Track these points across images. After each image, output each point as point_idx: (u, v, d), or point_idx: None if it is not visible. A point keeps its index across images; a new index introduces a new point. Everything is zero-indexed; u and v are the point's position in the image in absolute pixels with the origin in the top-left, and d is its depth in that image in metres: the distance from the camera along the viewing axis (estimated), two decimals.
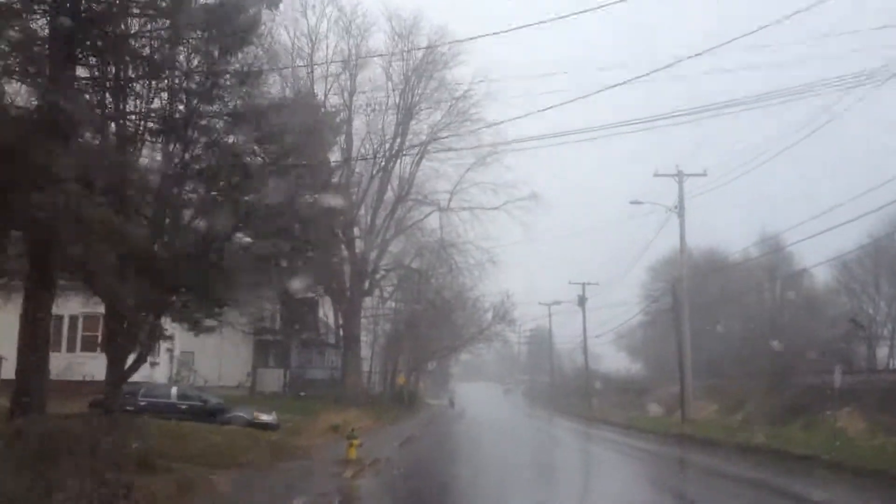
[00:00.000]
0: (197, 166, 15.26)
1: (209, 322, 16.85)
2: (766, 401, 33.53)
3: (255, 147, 16.19)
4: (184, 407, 23.70)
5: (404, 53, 42.49)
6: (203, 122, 15.06)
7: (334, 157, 45.01)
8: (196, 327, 17.01)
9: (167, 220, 15.23)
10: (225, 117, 15.31)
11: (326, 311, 56.75)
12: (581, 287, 60.36)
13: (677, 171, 36.46)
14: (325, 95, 43.03)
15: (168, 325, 36.09)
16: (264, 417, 23.91)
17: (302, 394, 44.32)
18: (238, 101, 15.23)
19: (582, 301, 59.66)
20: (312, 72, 41.37)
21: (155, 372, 33.13)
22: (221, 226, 15.00)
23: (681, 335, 36.18)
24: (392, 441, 26.54)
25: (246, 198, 18.88)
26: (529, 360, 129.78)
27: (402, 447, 25.31)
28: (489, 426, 39.70)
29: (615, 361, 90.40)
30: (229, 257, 15.23)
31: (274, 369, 45.88)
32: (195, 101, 15.02)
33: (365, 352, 62.26)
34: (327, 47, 42.27)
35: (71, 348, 32.15)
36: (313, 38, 41.89)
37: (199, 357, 45.04)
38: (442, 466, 20.67)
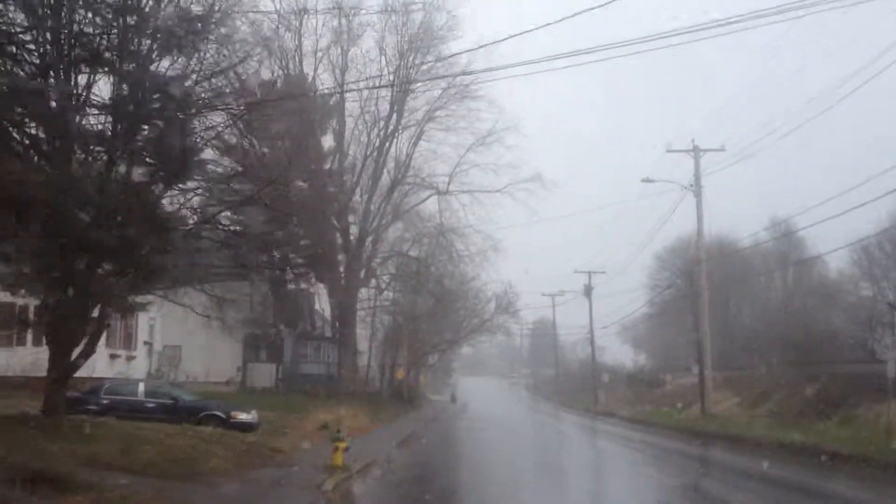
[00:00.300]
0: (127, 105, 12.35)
1: (141, 299, 13.99)
2: (793, 393, 30.68)
3: (198, 82, 13.26)
4: (151, 406, 20.84)
5: (399, 28, 39.63)
6: (132, 48, 12.12)
7: (327, 142, 42.30)
8: (121, 305, 14.17)
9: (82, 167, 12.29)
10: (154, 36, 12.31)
11: (323, 305, 53.95)
12: (587, 276, 57.46)
13: (693, 145, 33.57)
14: (315, 72, 40.20)
15: (147, 317, 33.46)
16: (242, 416, 21.04)
17: (306, 390, 41.60)
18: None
19: (588, 291, 56.80)
20: (300, 46, 38.54)
21: (131, 367, 30.31)
22: (151, 176, 12.10)
23: (699, 322, 33.32)
24: (388, 441, 23.73)
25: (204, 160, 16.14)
26: (532, 354, 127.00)
27: (400, 448, 22.50)
28: (494, 423, 36.88)
29: (619, 354, 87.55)
30: (169, 220, 12.33)
31: (266, 364, 43.04)
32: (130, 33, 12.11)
33: (363, 346, 59.56)
34: (317, 21, 39.36)
35: (37, 342, 29.26)
36: (302, 12, 38.94)
37: (186, 352, 42.30)
38: (443, 472, 17.82)
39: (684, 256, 73.39)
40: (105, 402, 20.74)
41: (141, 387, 21.63)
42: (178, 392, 22.06)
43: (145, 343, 32.21)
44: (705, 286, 33.64)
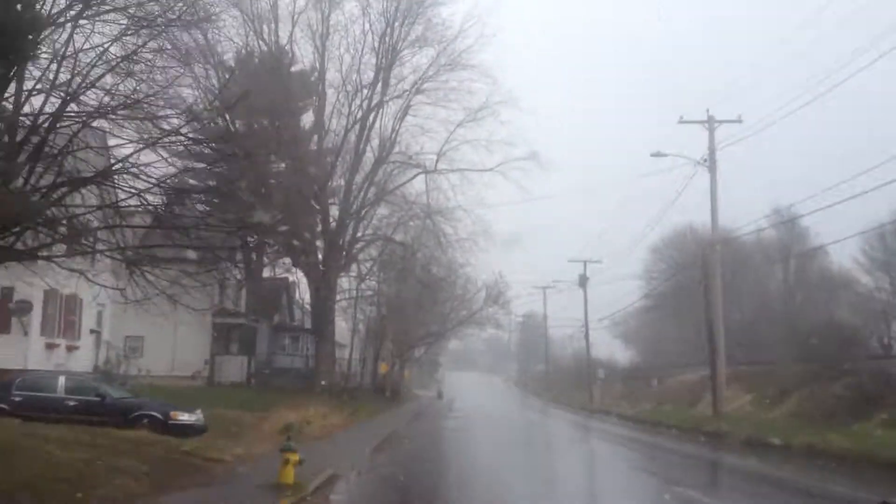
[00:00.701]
0: None
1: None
2: (818, 390, 27.10)
3: None
4: (73, 404, 17.03)
5: None
6: None
7: (307, 120, 38.51)
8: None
9: None
10: None
11: (304, 295, 50.13)
12: (582, 265, 53.80)
13: (707, 116, 29.96)
14: (291, 37, 36.35)
15: (95, 302, 29.52)
16: (183, 418, 17.24)
17: (279, 386, 37.83)
18: None
19: (583, 281, 53.16)
20: (276, 6, 34.72)
21: (73, 358, 26.41)
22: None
23: (712, 310, 29.74)
24: (363, 445, 19.97)
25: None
26: (521, 349, 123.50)
27: (375, 454, 18.74)
28: (483, 422, 33.21)
29: (609, 349, 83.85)
30: None
31: (236, 357, 39.21)
32: None
33: (345, 338, 55.78)
34: None
35: None
36: None
37: (149, 342, 38.38)
38: (424, 487, 14.06)
39: (681, 248, 70.16)
40: (17, 399, 16.96)
41: (61, 381, 17.77)
42: (107, 388, 18.19)
43: (92, 332, 28.29)
44: (717, 271, 30.01)
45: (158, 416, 17.02)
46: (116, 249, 16.21)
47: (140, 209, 15.41)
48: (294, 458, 12.14)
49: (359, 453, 18.16)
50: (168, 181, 17.77)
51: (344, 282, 46.95)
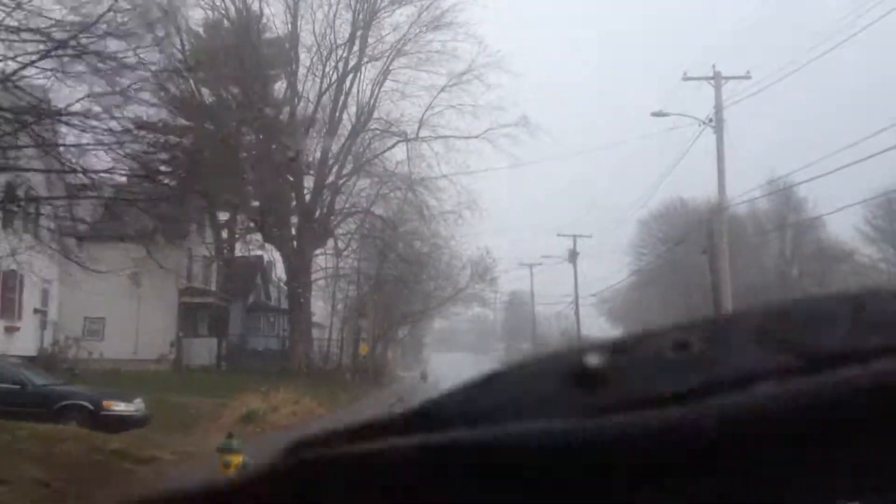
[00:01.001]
0: None
1: None
2: None
3: None
4: None
5: None
6: None
7: (280, 89, 35.59)
8: None
9: None
10: None
11: (281, 274, 47.29)
12: (572, 240, 51.19)
13: (713, 71, 27.29)
14: None
15: (40, 279, 26.65)
16: (119, 408, 14.47)
17: (251, 369, 35.10)
18: None
19: (573, 256, 50.57)
20: None
21: (13, 341, 23.54)
22: None
23: (718, 281, 27.23)
24: None
25: None
26: (506, 328, 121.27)
27: None
28: None
29: (594, 327, 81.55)
30: None
31: (205, 339, 36.36)
32: None
33: (325, 318, 53.08)
34: None
35: None
36: None
37: (111, 324, 35.56)
38: None
39: (671, 223, 67.92)
40: None
41: None
42: (29, 374, 15.36)
43: (36, 312, 25.39)
44: (724, 241, 27.46)
45: (88, 405, 14.25)
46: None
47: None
48: (236, 460, 9.45)
49: None
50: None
51: (323, 260, 44.28)
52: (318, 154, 34.71)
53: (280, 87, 35.91)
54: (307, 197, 34.48)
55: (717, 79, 27.17)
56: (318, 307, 52.24)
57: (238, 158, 33.84)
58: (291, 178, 33.28)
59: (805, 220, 53.59)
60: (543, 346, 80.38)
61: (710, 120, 27.25)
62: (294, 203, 35.22)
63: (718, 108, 27.08)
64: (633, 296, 74.66)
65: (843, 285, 47.34)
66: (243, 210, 35.53)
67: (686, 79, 27.50)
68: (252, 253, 45.07)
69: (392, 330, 55.76)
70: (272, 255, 44.07)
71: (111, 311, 35.17)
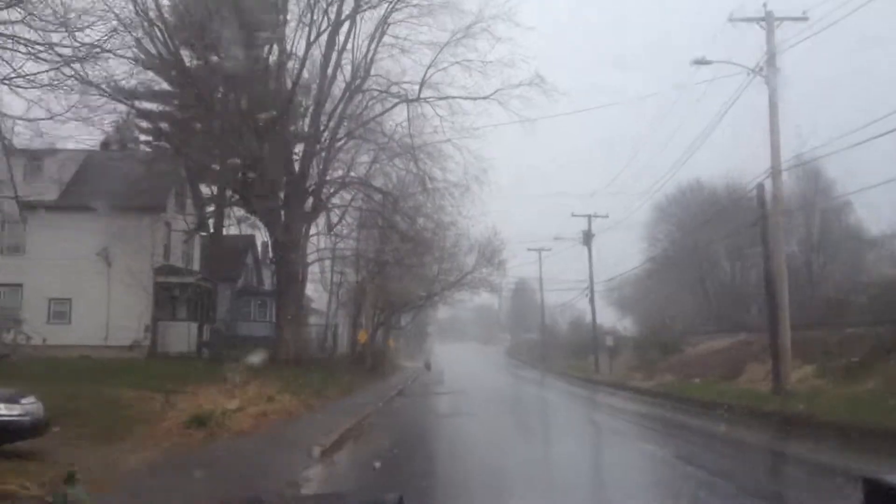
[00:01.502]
0: None
1: None
2: None
3: None
4: None
5: None
6: None
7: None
8: None
9: None
10: None
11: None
12: (586, 220, 46.83)
13: (765, 11, 22.95)
14: None
15: None
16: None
17: (236, 357, 30.94)
18: None
19: (587, 238, 46.30)
20: None
21: None
22: None
23: (772, 258, 22.98)
24: (312, 441, 13.18)
25: None
26: (512, 318, 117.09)
27: (317, 466, 11.81)
28: (483, 402, 26.42)
29: (601, 316, 77.07)
30: None
31: (184, 323, 32.21)
32: None
33: (321, 305, 48.97)
34: None
35: None
36: None
37: (78, 307, 31.51)
38: None
39: (688, 207, 63.49)
40: None
41: None
42: None
43: None
44: (780, 208, 23.14)
45: None
46: None
47: None
48: None
49: (296, 458, 11.33)
50: None
51: (319, 242, 40.09)
52: (308, 117, 30.45)
53: (268, 45, 31.67)
54: (296, 165, 30.23)
55: (768, 20, 22.85)
56: (317, 293, 48.15)
57: (221, 122, 29.70)
58: (277, 142, 28.98)
59: (836, 200, 49.18)
60: (552, 337, 76.21)
61: (760, 68, 22.92)
62: (283, 175, 30.99)
63: (771, 54, 22.73)
64: (646, 284, 70.21)
65: (872, 275, 43.04)
66: (223, 177, 31.30)
67: (733, 20, 23.17)
68: (242, 232, 41.02)
69: (394, 317, 51.61)
70: (264, 234, 39.95)
71: (78, 292, 31.13)
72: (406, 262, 38.38)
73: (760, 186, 23.25)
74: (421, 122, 30.24)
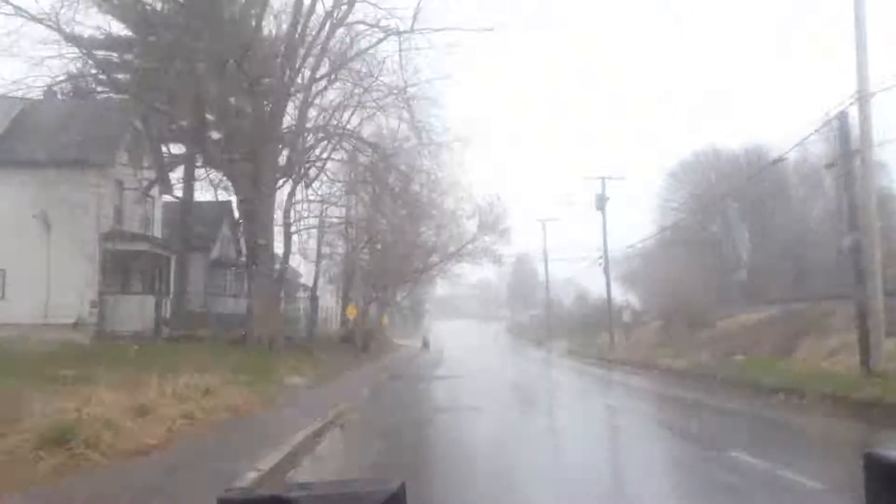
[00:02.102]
0: None
1: None
2: None
3: None
4: None
5: None
6: None
7: None
8: None
9: None
10: None
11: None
12: (600, 182, 41.63)
13: None
14: None
15: None
16: None
17: (200, 337, 25.88)
18: None
19: (601, 202, 41.14)
20: None
21: None
22: None
23: (860, 213, 17.91)
24: (248, 460, 8.13)
25: None
26: (511, 295, 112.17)
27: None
28: (488, 388, 21.32)
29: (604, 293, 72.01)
30: None
31: (138, 297, 27.10)
32: None
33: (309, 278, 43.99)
34: None
35: None
36: None
37: (13, 279, 26.33)
38: None
39: (705, 172, 58.40)
40: None
41: None
42: None
43: None
44: (871, 145, 18.02)
45: None
46: None
47: None
48: None
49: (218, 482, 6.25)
50: None
51: (309, 208, 35.13)
52: (280, 51, 25.17)
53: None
54: (267, 108, 25.01)
55: None
56: (307, 267, 43.12)
57: (182, 65, 24.50)
58: (245, 74, 23.73)
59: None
60: (557, 314, 71.17)
61: None
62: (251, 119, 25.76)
63: None
64: (655, 256, 65.12)
65: None
66: (186, 132, 26.11)
67: None
68: (219, 198, 35.92)
69: (388, 291, 46.58)
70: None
71: (12, 261, 25.96)
72: (401, 229, 33.29)
73: (843, 116, 18.13)
74: (414, 60, 24.99)
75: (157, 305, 27.35)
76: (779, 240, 51.76)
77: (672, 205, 59.57)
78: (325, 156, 28.49)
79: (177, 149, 29.64)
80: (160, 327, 27.17)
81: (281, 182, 26.61)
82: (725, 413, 16.04)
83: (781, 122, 70.85)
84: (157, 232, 30.91)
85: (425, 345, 50.19)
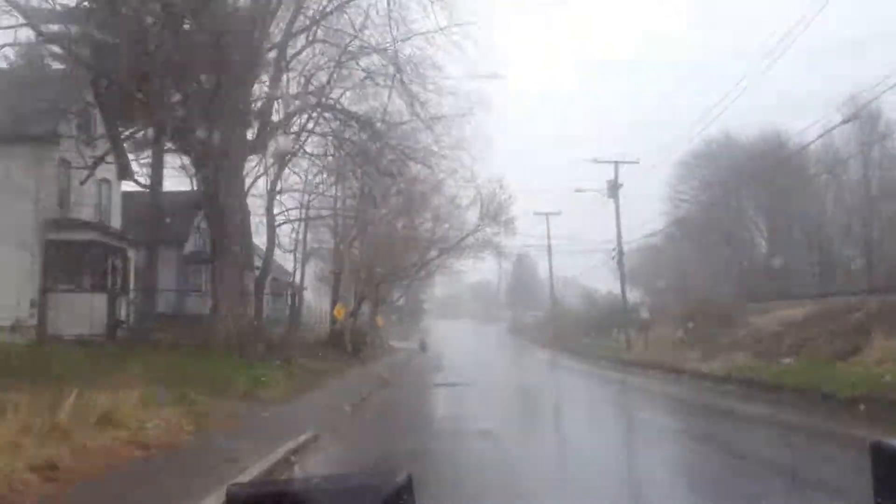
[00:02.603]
0: None
1: None
2: None
3: None
4: None
5: None
6: None
7: None
8: None
9: None
10: None
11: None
12: (612, 167, 37.53)
13: None
14: None
15: None
16: None
17: (155, 341, 21.76)
18: None
19: (614, 189, 37.07)
20: None
21: None
22: None
23: None
24: None
25: None
26: (511, 295, 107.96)
27: None
28: (498, 401, 17.30)
29: (609, 289, 67.93)
30: None
31: (87, 295, 22.97)
32: None
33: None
34: None
35: None
36: None
37: None
38: None
39: (718, 163, 54.50)
40: None
41: None
42: None
43: None
44: None
45: None
46: None
47: None
48: None
49: None
50: None
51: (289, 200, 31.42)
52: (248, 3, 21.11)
53: None
54: (234, 72, 20.91)
55: None
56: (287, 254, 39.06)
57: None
58: (202, 35, 19.69)
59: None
60: (561, 313, 67.04)
61: None
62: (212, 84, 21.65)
63: None
64: (663, 250, 61.17)
65: None
66: (149, 106, 22.04)
67: None
68: (196, 188, 31.87)
69: (382, 288, 42.51)
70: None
71: None
72: (396, 211, 29.32)
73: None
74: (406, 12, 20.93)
75: (111, 305, 23.29)
76: (801, 231, 47.90)
77: (683, 196, 55.66)
78: (305, 130, 24.37)
79: (134, 125, 25.59)
80: (114, 330, 23.13)
81: (256, 169, 22.48)
82: (819, 436, 11.97)
83: (801, 106, 66.55)
84: (116, 222, 26.88)
85: (423, 347, 46.14)
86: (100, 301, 22.77)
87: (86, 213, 24.38)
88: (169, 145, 26.61)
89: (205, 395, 13.70)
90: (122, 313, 23.82)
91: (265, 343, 24.46)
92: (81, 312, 22.13)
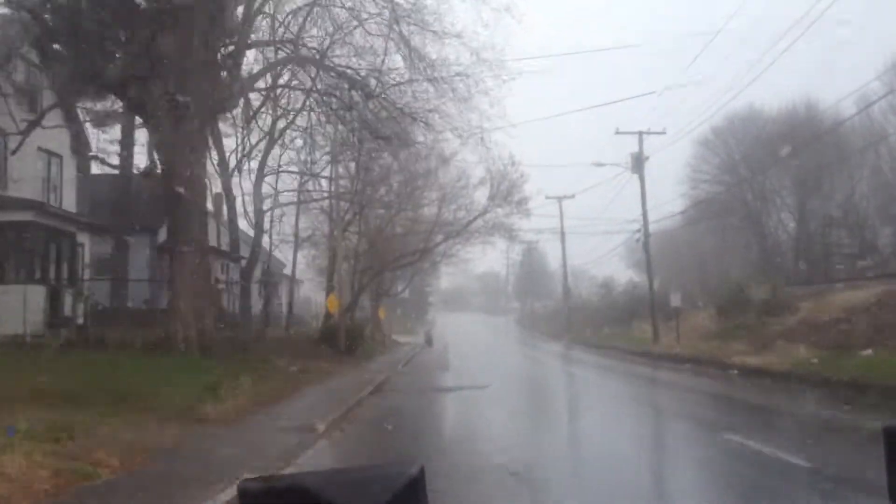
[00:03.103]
0: None
1: None
2: None
3: None
4: None
5: None
6: None
7: None
8: None
9: None
10: None
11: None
12: (637, 137, 33.24)
13: None
14: None
15: None
16: None
17: (108, 342, 17.78)
18: None
19: (638, 162, 32.89)
20: None
21: None
22: None
23: None
24: None
25: None
26: (520, 285, 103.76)
27: None
28: (523, 410, 13.40)
29: (623, 279, 63.73)
30: None
31: (19, 288, 18.98)
32: None
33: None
34: None
35: None
36: None
37: None
38: None
39: (740, 137, 50.28)
40: None
41: None
42: None
43: None
44: None
45: None
46: None
47: None
48: None
49: None
50: None
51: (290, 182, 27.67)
52: None
53: None
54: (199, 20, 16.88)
55: None
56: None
57: None
58: None
59: None
60: (575, 303, 63.08)
61: None
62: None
63: None
64: (681, 235, 56.97)
65: None
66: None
67: None
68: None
69: (385, 280, 38.52)
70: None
71: None
72: (394, 195, 25.35)
73: None
74: None
75: (53, 299, 19.36)
76: (839, 209, 43.70)
77: (703, 177, 51.44)
78: (279, 85, 20.31)
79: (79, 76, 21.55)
80: (59, 328, 19.20)
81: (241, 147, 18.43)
82: None
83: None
84: (69, 203, 22.97)
85: (428, 341, 42.18)
86: (36, 294, 18.83)
87: (27, 192, 20.47)
88: (137, 119, 22.74)
89: (127, 413, 9.84)
90: (68, 309, 19.87)
91: (241, 342, 20.62)
92: (12, 308, 18.19)
